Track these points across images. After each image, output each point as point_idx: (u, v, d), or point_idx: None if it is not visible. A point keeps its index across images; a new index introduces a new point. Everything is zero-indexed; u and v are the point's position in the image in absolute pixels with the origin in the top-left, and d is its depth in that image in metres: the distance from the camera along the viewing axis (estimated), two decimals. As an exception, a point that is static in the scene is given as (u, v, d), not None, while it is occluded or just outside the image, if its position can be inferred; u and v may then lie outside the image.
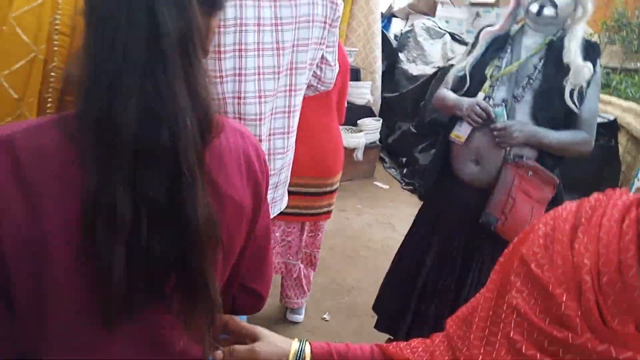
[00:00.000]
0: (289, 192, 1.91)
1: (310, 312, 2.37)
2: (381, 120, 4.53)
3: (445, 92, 1.74)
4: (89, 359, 0.64)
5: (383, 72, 4.80)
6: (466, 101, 1.62)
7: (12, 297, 0.58)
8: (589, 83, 1.53)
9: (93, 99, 0.55)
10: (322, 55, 1.47)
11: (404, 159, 4.61)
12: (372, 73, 4.63)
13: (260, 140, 1.35)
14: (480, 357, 0.60)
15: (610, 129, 3.18)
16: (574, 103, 1.52)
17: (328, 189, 2.04)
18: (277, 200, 1.54)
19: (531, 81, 1.58)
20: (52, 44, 0.89)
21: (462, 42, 5.05)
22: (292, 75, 1.36)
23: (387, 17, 6.56)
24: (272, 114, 1.37)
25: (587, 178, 3.01)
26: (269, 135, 1.39)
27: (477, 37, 1.76)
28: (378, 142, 4.48)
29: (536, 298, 0.57)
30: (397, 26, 6.57)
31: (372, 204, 3.87)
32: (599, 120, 2.07)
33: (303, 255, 2.15)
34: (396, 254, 1.95)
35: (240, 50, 1.24)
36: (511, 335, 0.57)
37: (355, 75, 4.33)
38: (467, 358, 0.63)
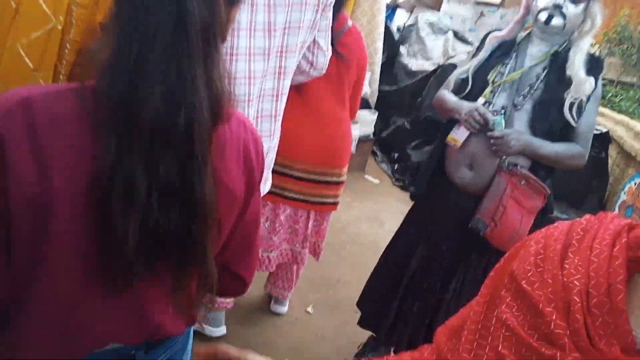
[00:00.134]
0: (295, 177, 1.94)
1: (294, 304, 2.36)
2: (377, 113, 4.50)
3: (446, 94, 1.74)
4: (71, 313, 0.68)
5: (382, 64, 4.77)
6: (466, 105, 1.62)
7: (10, 244, 0.61)
8: (589, 97, 1.54)
9: (117, 76, 0.58)
10: (314, 40, 1.48)
11: (396, 155, 4.59)
12: (372, 64, 4.59)
13: None
14: None
15: (601, 140, 3.19)
16: (572, 116, 1.54)
17: (335, 179, 2.05)
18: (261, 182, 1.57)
19: (532, 90, 1.58)
20: (71, 16, 0.91)
21: (464, 40, 5.04)
22: (282, 57, 1.37)
23: (392, 8, 6.49)
24: (260, 96, 1.37)
25: (576, 189, 3.04)
26: (256, 117, 1.40)
27: (483, 41, 1.76)
28: (372, 136, 4.45)
29: (525, 314, 0.58)
30: (401, 18, 6.51)
31: (362, 197, 3.86)
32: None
33: (309, 244, 2.16)
34: (383, 253, 1.96)
35: (232, 29, 1.24)
36: (499, 349, 0.58)
37: (355, 65, 4.31)
38: None
